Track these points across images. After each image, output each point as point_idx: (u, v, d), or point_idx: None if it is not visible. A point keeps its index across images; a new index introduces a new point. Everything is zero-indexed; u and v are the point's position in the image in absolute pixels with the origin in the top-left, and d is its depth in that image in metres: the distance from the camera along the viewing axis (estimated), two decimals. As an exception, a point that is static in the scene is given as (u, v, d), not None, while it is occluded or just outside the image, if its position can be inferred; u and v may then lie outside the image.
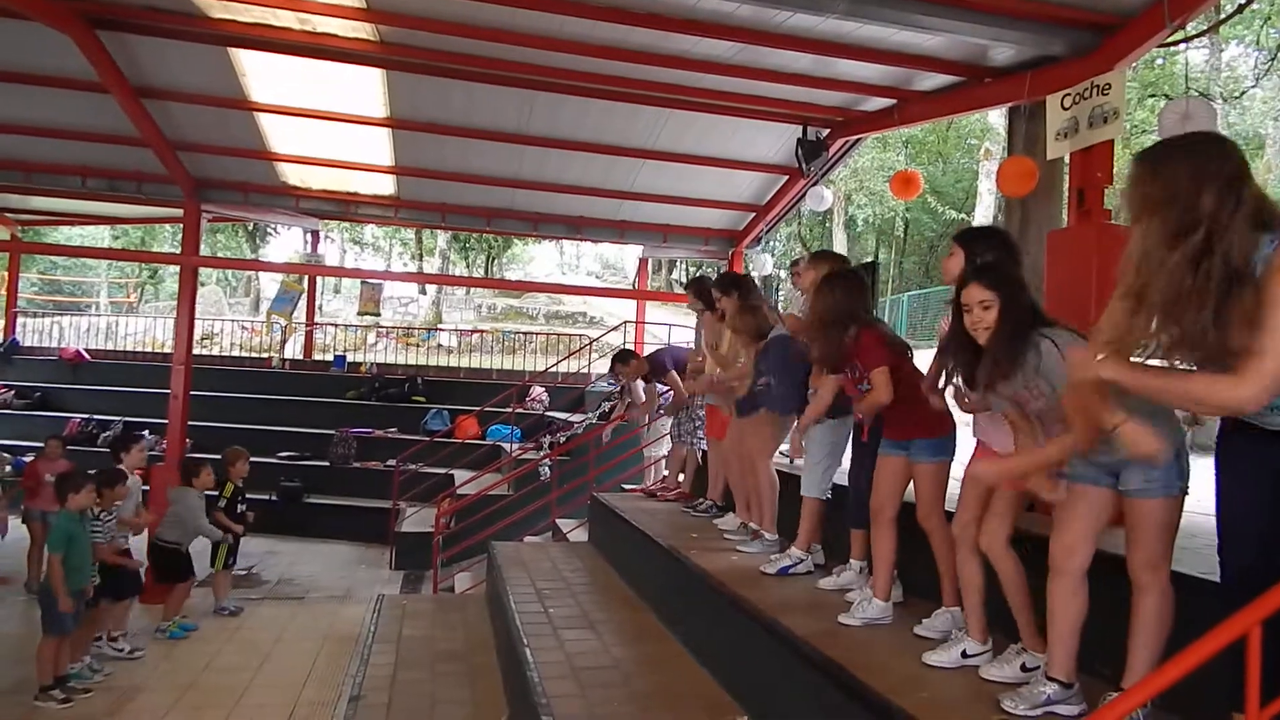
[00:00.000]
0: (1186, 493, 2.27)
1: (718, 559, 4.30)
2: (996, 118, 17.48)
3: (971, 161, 23.17)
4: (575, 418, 10.58)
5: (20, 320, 15.01)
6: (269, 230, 31.58)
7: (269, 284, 33.62)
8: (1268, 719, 1.60)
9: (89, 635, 5.83)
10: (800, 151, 6.92)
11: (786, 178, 8.10)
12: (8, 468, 8.82)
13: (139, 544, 6.71)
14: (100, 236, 28.01)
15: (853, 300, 3.42)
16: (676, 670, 3.84)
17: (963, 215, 22.48)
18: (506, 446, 10.58)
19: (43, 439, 9.78)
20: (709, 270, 18.04)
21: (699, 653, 3.94)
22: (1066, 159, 4.67)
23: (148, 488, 7.03)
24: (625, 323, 12.44)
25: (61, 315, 19.49)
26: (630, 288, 14.15)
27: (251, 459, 7.88)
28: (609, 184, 8.52)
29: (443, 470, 10.47)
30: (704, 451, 6.08)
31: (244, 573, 8.38)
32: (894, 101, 6.29)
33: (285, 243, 34.80)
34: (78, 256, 26.12)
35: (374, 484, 10.91)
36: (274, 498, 10.41)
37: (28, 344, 14.68)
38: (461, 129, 7.45)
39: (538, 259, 39.78)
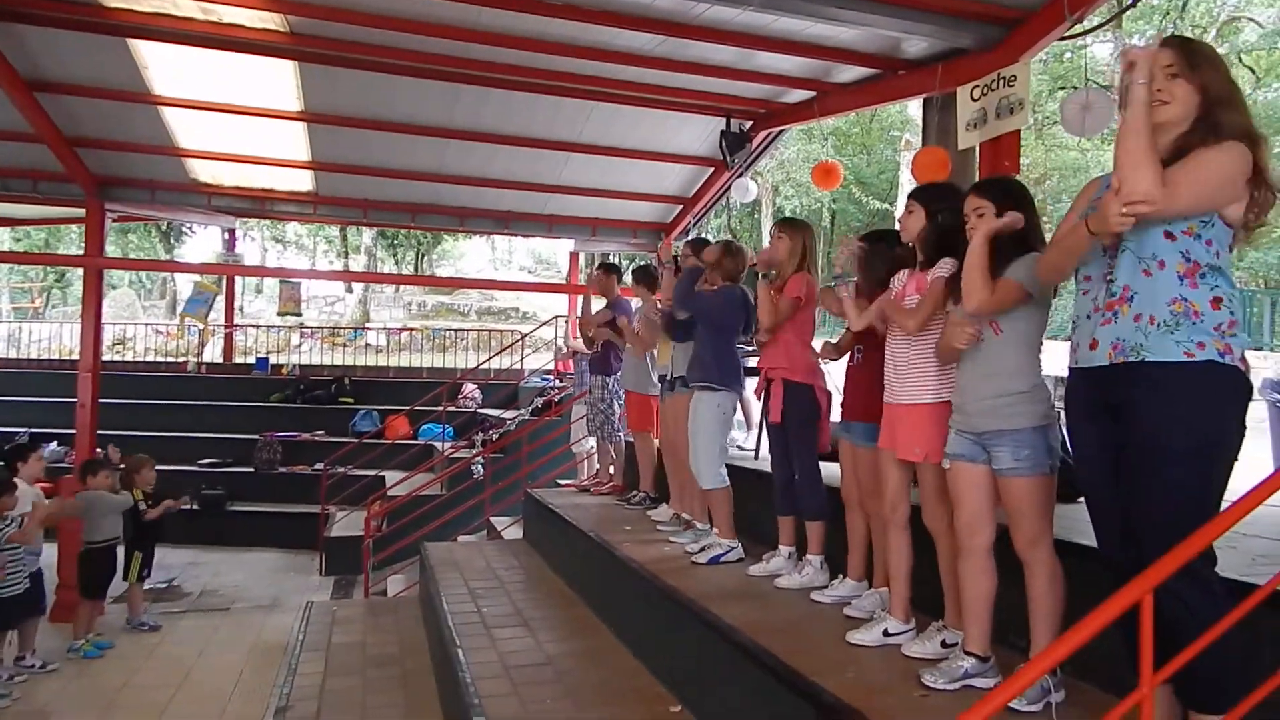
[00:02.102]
0: (1056, 469, 2.38)
1: (650, 550, 4.31)
2: (916, 109, 17.95)
3: (894, 152, 23.75)
4: (509, 414, 10.47)
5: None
6: (185, 230, 30.36)
7: (185, 285, 32.35)
8: (1159, 683, 1.68)
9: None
10: (724, 143, 6.97)
11: (712, 170, 8.16)
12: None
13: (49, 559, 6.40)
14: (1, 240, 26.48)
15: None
16: (612, 664, 3.84)
17: (886, 205, 23.01)
18: (438, 445, 10.42)
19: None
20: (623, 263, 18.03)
21: (634, 645, 3.94)
22: (977, 149, 4.81)
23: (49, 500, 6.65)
24: (557, 317, 12.37)
25: (-42, 323, 18.38)
26: (563, 282, 14.10)
27: (171, 467, 7.59)
28: (536, 178, 8.44)
29: (373, 472, 10.24)
30: (629, 443, 6.10)
31: (164, 585, 8.08)
32: (814, 93, 6.38)
33: (203, 242, 33.53)
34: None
35: (301, 489, 10.61)
36: (195, 506, 10.02)
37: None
38: (382, 123, 7.27)
39: (469, 255, 39.22)
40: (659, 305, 5.14)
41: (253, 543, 10.03)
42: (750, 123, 7.06)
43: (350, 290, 25.66)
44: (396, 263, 32.09)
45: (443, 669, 4.34)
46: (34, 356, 15.24)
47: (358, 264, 27.34)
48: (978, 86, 4.69)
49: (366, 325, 20.96)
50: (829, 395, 3.70)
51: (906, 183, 20.09)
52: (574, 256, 12.46)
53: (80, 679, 5.92)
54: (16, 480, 5.77)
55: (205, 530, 9.93)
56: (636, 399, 5.69)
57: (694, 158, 8.00)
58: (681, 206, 9.03)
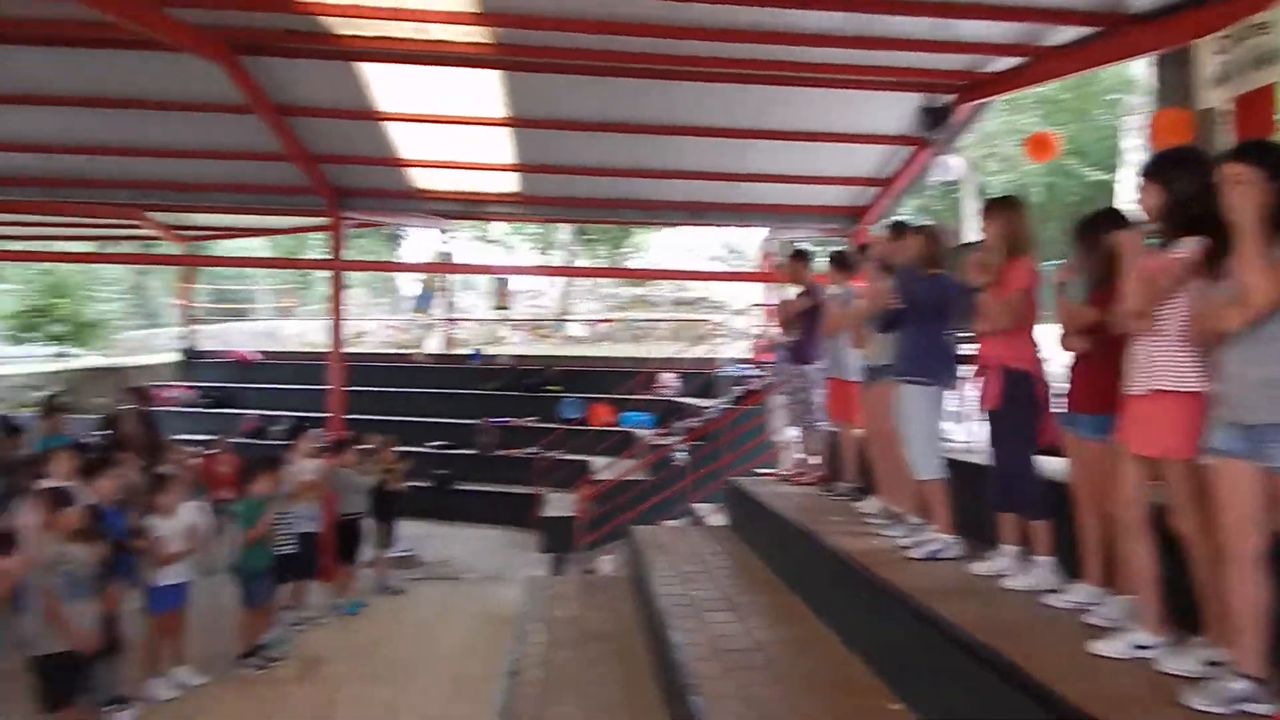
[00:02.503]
0: None
1: (859, 542, 4.24)
2: (1141, 68, 16.12)
3: (1112, 117, 21.47)
4: (707, 403, 10.62)
5: (199, 327, 16.47)
6: (401, 233, 33.23)
7: (409, 284, 35.45)
8: None
9: (277, 610, 6.42)
10: (923, 120, 6.65)
11: (911, 149, 7.79)
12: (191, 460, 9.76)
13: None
14: (257, 247, 30.25)
15: None
16: (821, 653, 3.83)
17: (1107, 175, 20.87)
18: (640, 433, 10.75)
19: (220, 435, 10.78)
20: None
21: (844, 636, 3.91)
22: (1224, 107, 4.28)
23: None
24: (751, 305, 12.34)
25: (230, 321, 21.30)
26: (754, 271, 14.05)
27: (404, 448, 8.42)
28: (725, 167, 8.44)
29: (580, 457, 10.76)
30: (830, 433, 6.00)
31: (404, 555, 8.96)
32: (1024, 60, 5.91)
33: (420, 244, 36.53)
34: (238, 267, 28.27)
35: (517, 471, 11.37)
36: (426, 485, 11.04)
37: (207, 349, 16.12)
38: (577, 123, 7.57)
39: (660, 247, 40.02)
40: (857, 298, 5.01)
41: (476, 519, 10.88)
42: (952, 96, 6.67)
43: (551, 285, 26.99)
44: (592, 257, 33.33)
45: (656, 648, 4.52)
46: (289, 350, 17.34)
47: (556, 260, 28.64)
48: (1223, 37, 4.16)
49: (567, 317, 21.97)
50: (1047, 386, 3.46)
51: (1131, 149, 18.10)
52: (766, 245, 12.38)
53: (342, 633, 6.76)
54: (294, 456, 6.67)
55: (436, 506, 10.90)
56: (838, 387, 5.58)
57: (889, 137, 7.67)
58: (879, 189, 8.70)
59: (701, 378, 12.11)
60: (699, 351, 13.44)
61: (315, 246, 32.26)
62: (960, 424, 5.48)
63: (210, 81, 6.58)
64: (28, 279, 21.75)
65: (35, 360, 20.08)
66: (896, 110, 7.13)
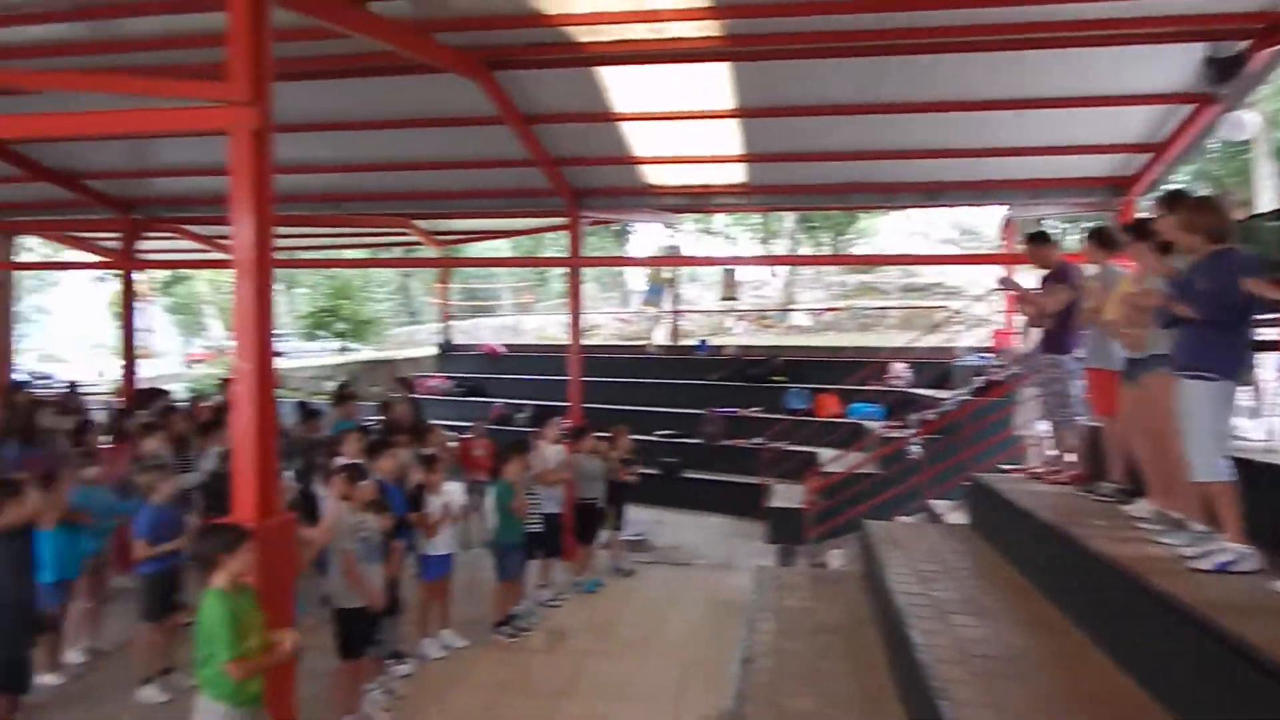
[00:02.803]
0: None
1: (1129, 548, 3.82)
2: None
3: None
4: (944, 394, 10.05)
5: (452, 323, 18.16)
6: (629, 229, 34.47)
7: (636, 278, 36.79)
8: None
9: (527, 584, 6.95)
10: (1208, 73, 5.81)
11: (1192, 107, 6.86)
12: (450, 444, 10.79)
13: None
14: (501, 248, 32.76)
15: None
16: (1086, 667, 3.51)
17: None
18: (870, 425, 10.41)
19: (474, 421, 11.79)
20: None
21: (1112, 650, 3.54)
22: None
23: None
24: (992, 290, 11.49)
25: (479, 317, 23.27)
26: (992, 252, 12.92)
27: (635, 436, 8.76)
28: (967, 142, 7.92)
29: (807, 448, 10.62)
30: (1091, 428, 5.43)
31: (636, 539, 9.33)
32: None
33: (646, 239, 37.75)
34: (487, 267, 30.76)
35: (743, 460, 11.43)
36: (655, 472, 11.41)
37: (459, 343, 17.74)
38: (807, 108, 7.45)
39: (885, 231, 38.32)
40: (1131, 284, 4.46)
41: (704, 507, 11.09)
42: (1245, 43, 5.77)
43: (775, 274, 26.78)
44: (815, 245, 32.59)
45: (895, 646, 4.36)
46: (530, 343, 18.64)
47: (779, 249, 28.33)
48: None
49: (791, 307, 21.70)
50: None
51: None
52: (1009, 224, 11.45)
53: (582, 609, 7.18)
54: (541, 442, 7.19)
55: (664, 493, 11.23)
56: (1101, 378, 5.03)
57: (1164, 96, 6.80)
58: (1149, 156, 7.75)
59: (937, 368, 11.47)
60: (933, 340, 12.74)
61: (551, 245, 34.47)
62: (1257, 420, 4.77)
63: (464, 98, 7.22)
64: (317, 284, 25.11)
65: (323, 354, 23.19)
66: (1173, 64, 6.32)
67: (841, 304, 19.94)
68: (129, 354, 10.97)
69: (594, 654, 6.16)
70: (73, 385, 10.21)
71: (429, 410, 12.34)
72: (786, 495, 9.90)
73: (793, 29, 6.07)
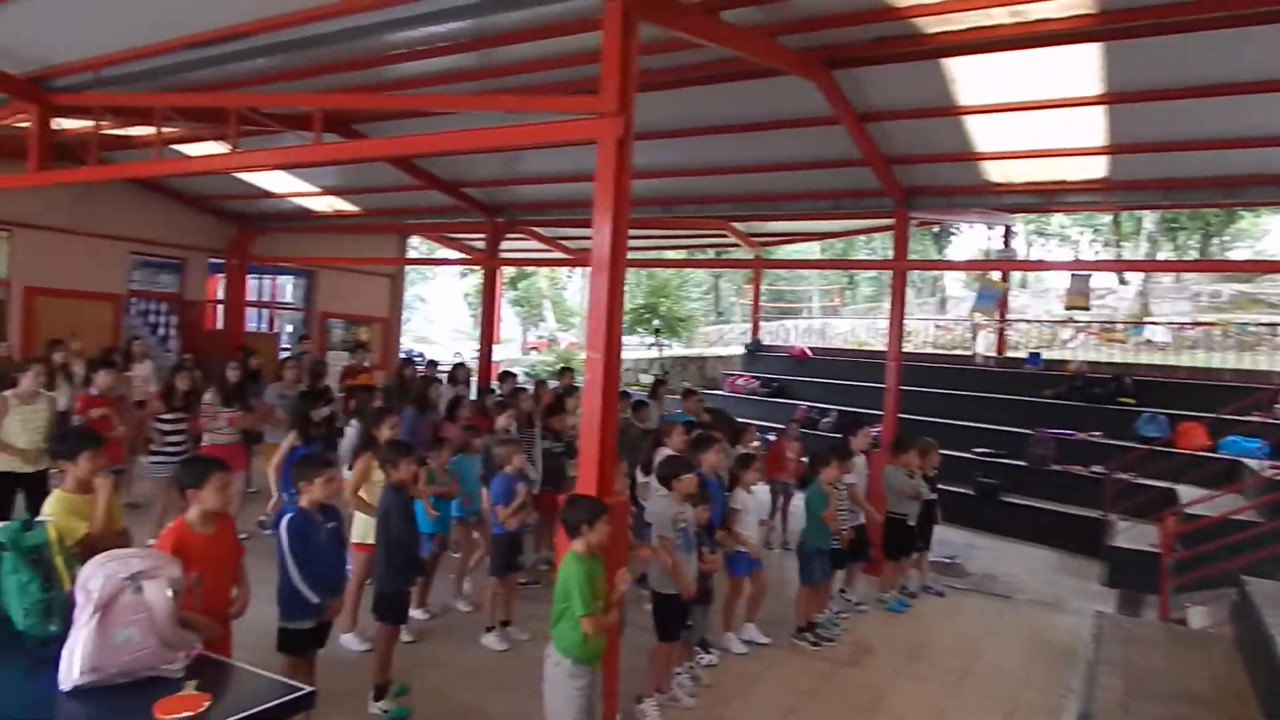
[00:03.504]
0: None
1: None
2: None
3: None
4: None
5: (760, 323, 18.42)
6: (951, 231, 32.45)
7: (952, 283, 34.58)
8: None
9: (831, 592, 6.82)
10: None
11: None
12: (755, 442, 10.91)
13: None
14: (811, 250, 32.58)
15: None
16: None
17: None
18: (1251, 463, 8.76)
19: (780, 421, 11.84)
20: None
21: None
22: None
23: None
24: None
25: (785, 319, 23.35)
26: None
27: (948, 452, 8.18)
28: None
29: (1162, 484, 9.21)
30: None
31: (946, 561, 8.75)
32: None
33: (968, 241, 35.29)
34: (803, 269, 30.67)
35: (1076, 489, 10.24)
36: (970, 492, 10.62)
37: (766, 343, 17.95)
38: (1191, 88, 6.39)
39: (1275, 231, 31.87)
40: None
41: (1025, 536, 10.09)
42: None
43: (1124, 282, 23.60)
44: (1175, 248, 28.20)
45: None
46: (836, 347, 18.29)
47: (1131, 253, 24.93)
48: None
49: (1147, 319, 18.97)
50: None
51: None
52: None
53: (886, 626, 6.87)
54: (854, 449, 7.02)
55: (979, 516, 10.42)
56: None
57: None
58: None
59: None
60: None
61: (862, 248, 33.58)
62: None
63: (796, 99, 7.22)
64: (638, 282, 26.81)
65: (639, 348, 24.75)
66: None
67: (1213, 319, 16.99)
68: (487, 339, 12.57)
69: (903, 675, 5.86)
70: (460, 362, 11.87)
71: (735, 409, 12.60)
72: (1134, 535, 8.69)
73: (1180, -2, 5.25)
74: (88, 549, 3.34)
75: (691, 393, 9.48)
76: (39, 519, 3.18)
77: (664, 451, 6.38)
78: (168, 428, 7.67)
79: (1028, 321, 16.84)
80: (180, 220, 13.75)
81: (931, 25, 5.82)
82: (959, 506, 10.09)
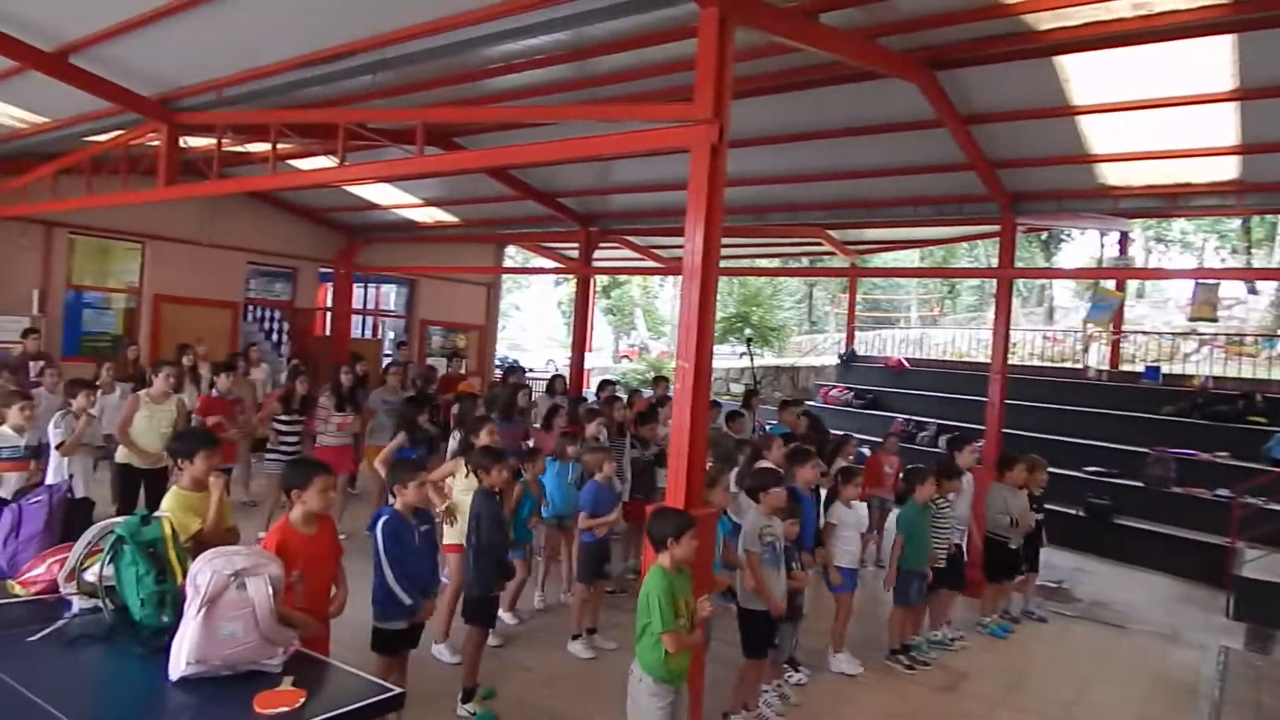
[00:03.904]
0: None
1: None
2: None
3: None
4: None
5: (856, 333, 17.99)
6: (1062, 237, 30.94)
7: (1061, 292, 32.93)
8: None
9: (926, 615, 6.54)
10: None
11: None
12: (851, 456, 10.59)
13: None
14: (910, 258, 31.65)
15: None
16: None
17: None
18: None
19: (874, 433, 11.49)
20: None
21: None
22: None
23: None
24: None
25: (881, 329, 22.73)
26: None
27: (1056, 470, 7.74)
28: None
29: (1301, 510, 8.50)
30: None
31: (1053, 585, 8.29)
32: None
33: (1078, 248, 33.55)
34: (902, 277, 29.82)
35: (1197, 513, 9.56)
36: (1080, 513, 10.05)
37: (861, 353, 17.51)
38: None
39: None
40: None
41: (1139, 561, 9.49)
42: None
43: (1255, 292, 21.96)
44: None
45: None
46: (934, 358, 17.67)
47: (1263, 260, 23.18)
48: None
49: (1280, 332, 17.61)
50: None
51: None
52: None
53: (987, 653, 6.54)
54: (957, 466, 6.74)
55: (1089, 538, 9.86)
56: None
57: None
58: None
59: None
60: None
61: (964, 255, 32.39)
62: None
63: (896, 102, 7.01)
64: (730, 290, 26.65)
65: (731, 358, 24.56)
66: None
67: (1358, 332, 15.62)
68: (580, 347, 12.69)
69: (1002, 706, 5.55)
70: (559, 374, 12.02)
71: (829, 421, 12.30)
72: (1264, 565, 8.05)
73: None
74: (199, 544, 3.52)
75: (789, 404, 9.29)
76: (156, 514, 3.36)
77: (763, 464, 6.27)
78: (285, 428, 8.10)
79: (1145, 333, 15.83)
80: (293, 232, 14.45)
81: (1044, 22, 5.56)
82: (1067, 528, 9.57)
